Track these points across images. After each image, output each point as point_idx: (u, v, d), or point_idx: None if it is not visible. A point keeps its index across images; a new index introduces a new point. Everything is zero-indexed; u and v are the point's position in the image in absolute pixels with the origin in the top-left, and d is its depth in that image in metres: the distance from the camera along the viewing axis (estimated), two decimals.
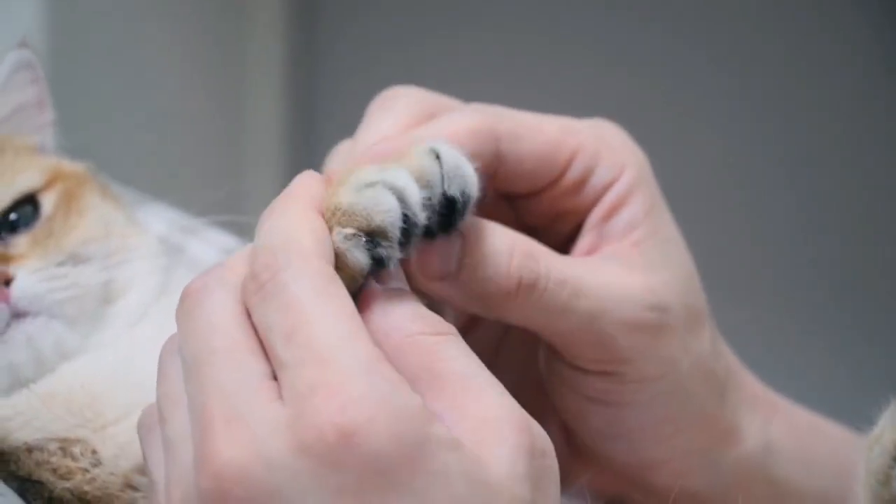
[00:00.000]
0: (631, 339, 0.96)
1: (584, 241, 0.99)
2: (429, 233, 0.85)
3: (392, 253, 0.81)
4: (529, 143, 0.96)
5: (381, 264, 0.81)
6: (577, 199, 0.99)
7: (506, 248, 0.91)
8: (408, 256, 0.83)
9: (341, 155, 0.98)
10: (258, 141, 2.96)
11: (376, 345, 0.77)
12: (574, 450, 1.05)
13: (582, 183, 0.99)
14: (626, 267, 0.97)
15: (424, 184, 0.83)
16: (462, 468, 0.73)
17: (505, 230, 0.92)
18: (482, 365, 0.80)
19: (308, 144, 3.02)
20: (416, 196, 0.82)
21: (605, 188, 0.99)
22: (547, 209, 1.00)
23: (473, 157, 0.87)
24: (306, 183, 0.83)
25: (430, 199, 0.84)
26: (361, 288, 0.81)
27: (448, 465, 0.73)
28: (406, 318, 0.80)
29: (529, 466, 0.75)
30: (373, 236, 0.80)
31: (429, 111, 0.94)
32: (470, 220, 0.88)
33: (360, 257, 0.80)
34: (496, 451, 0.74)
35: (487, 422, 0.75)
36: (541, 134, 0.97)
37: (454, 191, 0.84)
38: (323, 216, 0.81)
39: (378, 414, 0.72)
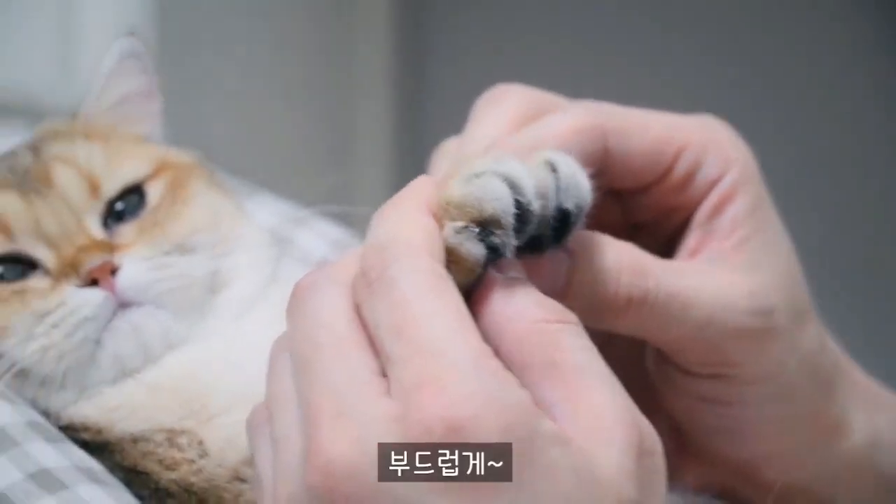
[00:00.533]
0: (738, 345, 0.95)
1: (690, 240, 0.98)
2: (537, 245, 0.84)
3: (507, 240, 0.80)
4: (637, 140, 0.95)
5: (496, 253, 0.80)
6: (683, 196, 0.98)
7: (613, 265, 0.90)
8: (522, 243, 0.82)
9: (447, 153, 0.98)
10: (367, 131, 2.96)
11: (496, 334, 0.77)
12: (682, 446, 1.04)
13: (689, 179, 0.98)
14: (730, 270, 0.96)
15: (540, 195, 0.82)
16: (570, 464, 0.72)
17: (613, 243, 0.91)
18: (600, 357, 0.79)
19: (416, 135, 3.02)
20: (527, 181, 0.80)
21: (712, 185, 0.97)
22: (654, 205, 0.99)
23: (581, 155, 0.87)
24: (419, 185, 0.83)
25: (544, 210, 0.83)
26: (479, 279, 0.80)
27: (556, 461, 0.72)
28: (529, 304, 0.79)
29: (638, 465, 0.74)
30: (485, 226, 0.79)
31: (536, 110, 0.94)
32: (578, 233, 0.87)
33: (473, 249, 0.79)
34: (605, 448, 0.74)
35: (599, 417, 0.75)
36: (648, 130, 0.96)
37: (569, 203, 0.83)
38: (435, 216, 0.80)
39: (485, 409, 0.71)
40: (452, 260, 0.79)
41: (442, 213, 0.80)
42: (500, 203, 0.79)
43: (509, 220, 0.79)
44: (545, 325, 0.78)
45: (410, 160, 2.95)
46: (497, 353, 0.77)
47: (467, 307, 0.78)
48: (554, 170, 0.83)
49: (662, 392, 1.01)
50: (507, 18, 3.11)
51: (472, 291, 0.80)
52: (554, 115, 0.94)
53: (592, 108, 0.95)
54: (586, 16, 3.07)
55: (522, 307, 0.79)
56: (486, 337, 0.78)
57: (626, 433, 0.75)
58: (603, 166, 0.93)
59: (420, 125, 3.04)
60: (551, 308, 0.80)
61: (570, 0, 3.10)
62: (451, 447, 0.71)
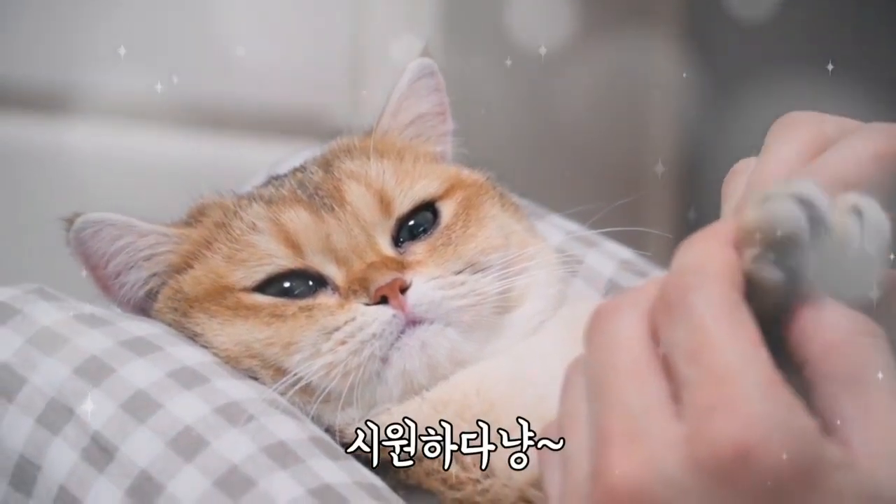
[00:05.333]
0: None
1: None
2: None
3: (805, 261, 0.77)
4: None
5: (795, 276, 0.78)
6: None
7: None
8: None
9: (740, 174, 0.95)
10: (655, 152, 2.95)
11: (804, 343, 0.76)
12: None
13: None
14: None
15: (843, 240, 0.80)
16: (855, 489, 0.72)
17: None
18: None
19: (703, 159, 2.99)
20: (821, 199, 0.78)
21: None
22: None
23: (880, 181, 0.85)
24: (726, 223, 0.82)
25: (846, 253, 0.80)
26: (787, 300, 0.78)
27: (841, 486, 0.72)
28: (840, 316, 0.77)
29: None
30: (781, 249, 0.77)
31: (830, 136, 0.91)
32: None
33: (771, 274, 0.77)
34: (891, 473, 0.73)
35: (891, 439, 0.74)
36: None
37: (872, 248, 0.80)
38: (737, 248, 0.79)
39: (775, 434, 0.71)
40: (754, 287, 0.78)
41: (740, 242, 0.79)
42: (793, 222, 0.77)
43: (804, 237, 0.77)
44: (856, 337, 0.77)
45: (697, 182, 2.93)
46: (803, 364, 0.76)
47: (774, 326, 0.77)
48: (859, 215, 0.80)
49: None
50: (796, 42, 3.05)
51: (780, 311, 0.78)
52: (850, 140, 0.90)
53: (887, 131, 0.91)
54: None
55: (834, 318, 0.77)
56: (793, 347, 0.77)
57: None
58: None
59: (709, 148, 3.01)
60: (862, 321, 0.78)
61: None
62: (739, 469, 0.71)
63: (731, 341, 0.74)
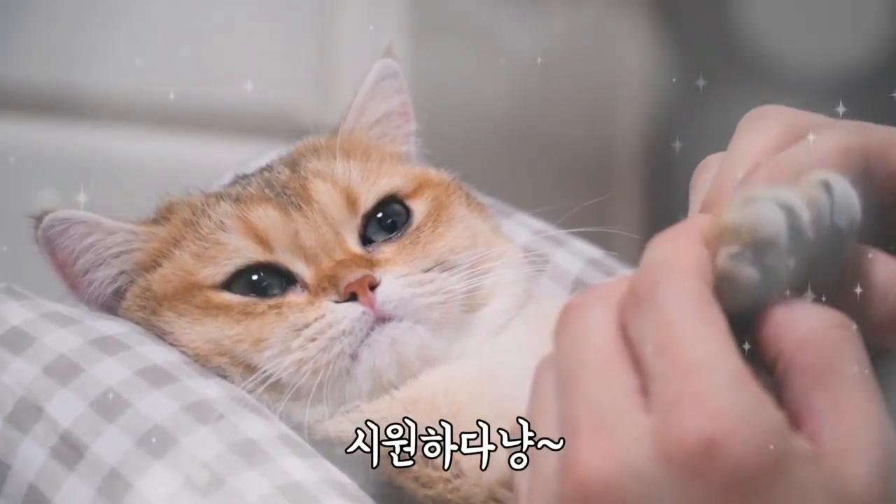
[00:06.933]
0: None
1: None
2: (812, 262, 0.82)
3: (782, 263, 0.78)
4: None
5: (771, 277, 0.79)
6: None
7: (882, 283, 0.87)
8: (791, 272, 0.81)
9: (710, 169, 0.96)
10: (622, 152, 2.96)
11: (776, 339, 0.77)
12: None
13: None
14: None
15: (815, 213, 0.81)
16: (821, 482, 0.73)
17: (883, 260, 0.88)
18: (870, 369, 0.78)
19: (671, 157, 2.99)
20: (801, 207, 0.79)
21: None
22: None
23: (843, 175, 0.85)
24: (696, 219, 0.84)
25: (819, 233, 0.81)
26: (758, 302, 0.80)
27: (807, 479, 0.73)
28: (811, 311, 0.79)
29: (885, 488, 0.74)
30: (760, 249, 0.78)
31: (798, 130, 0.91)
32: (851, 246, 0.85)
33: (748, 272, 0.78)
34: (858, 465, 0.74)
35: (859, 432, 0.75)
36: None
37: (842, 221, 0.82)
38: (708, 246, 0.80)
39: (742, 426, 0.72)
40: (728, 284, 0.79)
41: (717, 239, 0.80)
42: (775, 225, 0.78)
43: (784, 241, 0.78)
44: (827, 331, 0.78)
45: (665, 182, 2.94)
46: (777, 358, 0.77)
47: (746, 324, 0.78)
48: (828, 190, 0.82)
49: None
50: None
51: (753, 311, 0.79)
52: (816, 134, 0.91)
53: (853, 127, 0.92)
54: None
55: (805, 313, 0.79)
56: (766, 343, 0.78)
57: (881, 451, 0.75)
58: (862, 186, 0.90)
59: (675, 145, 3.01)
60: (832, 315, 0.79)
61: None
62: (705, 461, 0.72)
63: (700, 335, 0.75)
